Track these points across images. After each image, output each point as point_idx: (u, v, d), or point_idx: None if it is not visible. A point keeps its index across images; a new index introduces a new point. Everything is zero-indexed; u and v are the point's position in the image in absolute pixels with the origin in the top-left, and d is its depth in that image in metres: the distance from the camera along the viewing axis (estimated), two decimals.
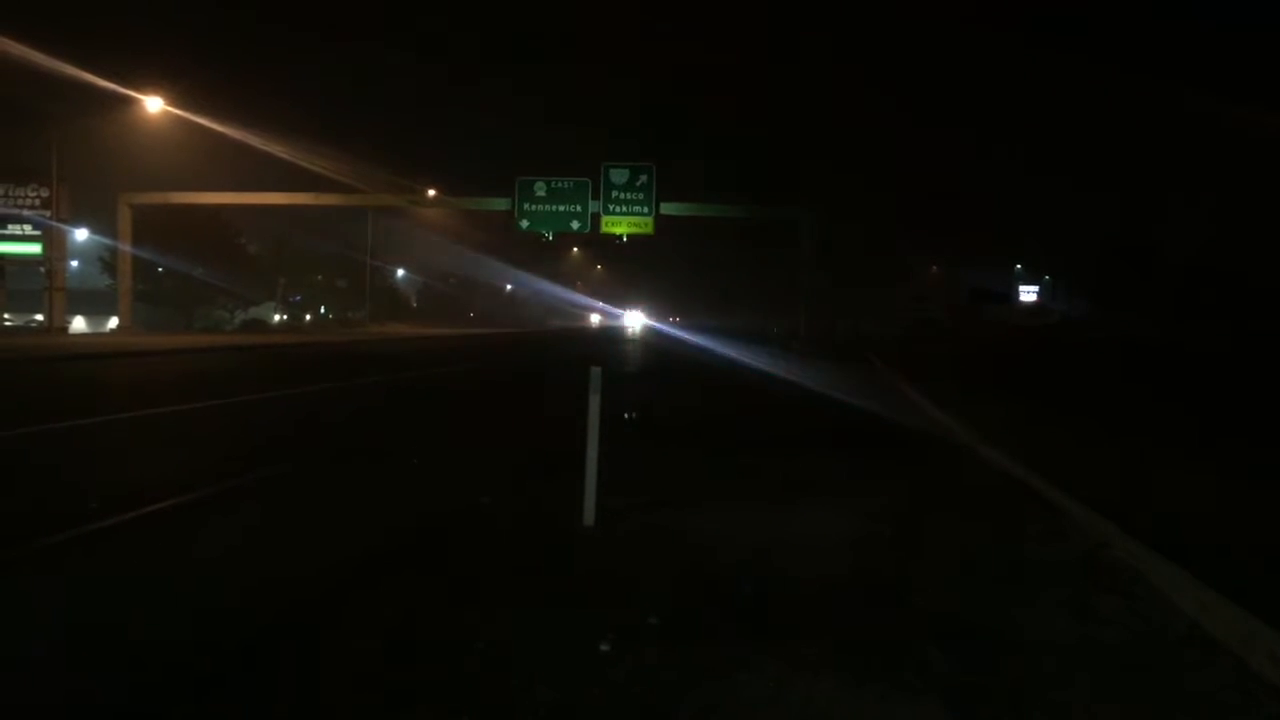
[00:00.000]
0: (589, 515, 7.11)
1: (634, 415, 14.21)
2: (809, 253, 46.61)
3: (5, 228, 44.93)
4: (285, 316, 74.86)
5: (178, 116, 42.12)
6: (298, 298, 76.76)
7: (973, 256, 64.83)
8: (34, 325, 51.97)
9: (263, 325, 66.71)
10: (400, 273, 78.78)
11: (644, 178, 42.54)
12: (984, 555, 6.69)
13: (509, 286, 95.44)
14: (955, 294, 69.96)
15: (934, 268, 72.78)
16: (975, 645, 4.89)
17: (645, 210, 42.51)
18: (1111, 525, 6.88)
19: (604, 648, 4.73)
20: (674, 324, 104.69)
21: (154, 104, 40.92)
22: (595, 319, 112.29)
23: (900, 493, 8.78)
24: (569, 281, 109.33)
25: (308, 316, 79.27)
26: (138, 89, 40.24)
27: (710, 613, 5.32)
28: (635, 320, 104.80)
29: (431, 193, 52.18)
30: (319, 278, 74.02)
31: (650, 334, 72.82)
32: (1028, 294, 78.36)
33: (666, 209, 43.34)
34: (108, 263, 52.66)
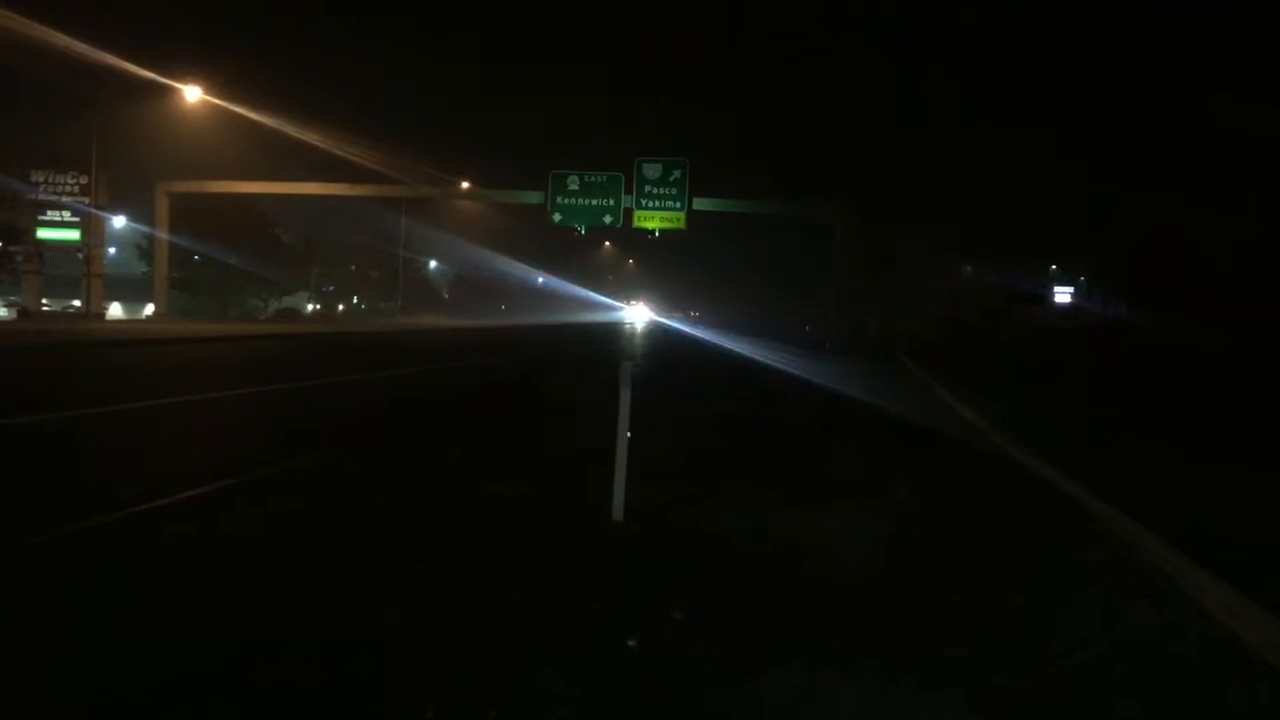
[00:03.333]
0: (618, 510, 7.10)
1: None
2: (841, 250, 46.40)
3: (45, 214, 45.52)
4: (318, 306, 75.34)
5: (216, 105, 42.52)
6: (331, 288, 77.21)
7: (1006, 256, 64.28)
8: (71, 311, 52.61)
9: (296, 314, 67.19)
10: (433, 264, 79.07)
11: (677, 173, 42.49)
12: (1016, 558, 6.65)
13: (540, 279, 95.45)
14: (988, 294, 69.44)
15: (967, 267, 72.23)
16: (1004, 648, 4.86)
17: (678, 205, 42.46)
18: (1149, 533, 6.81)
19: (631, 644, 4.73)
20: (693, 319, 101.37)
21: (192, 93, 41.32)
22: (642, 313, 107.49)
23: (930, 493, 8.74)
24: (601, 275, 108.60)
25: (340, 307, 79.73)
26: (176, 78, 40.66)
27: (737, 610, 5.32)
28: (638, 315, 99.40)
29: (465, 185, 52.35)
30: (352, 268, 74.36)
31: (654, 330, 66.07)
32: (1062, 295, 77.59)
33: (699, 204, 43.26)
34: (144, 250, 53.16)
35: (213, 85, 41.77)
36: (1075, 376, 22.87)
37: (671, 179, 42.48)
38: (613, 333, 52.04)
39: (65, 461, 9.35)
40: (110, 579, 5.54)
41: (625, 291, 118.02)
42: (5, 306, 53.50)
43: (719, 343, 43.85)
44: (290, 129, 46.29)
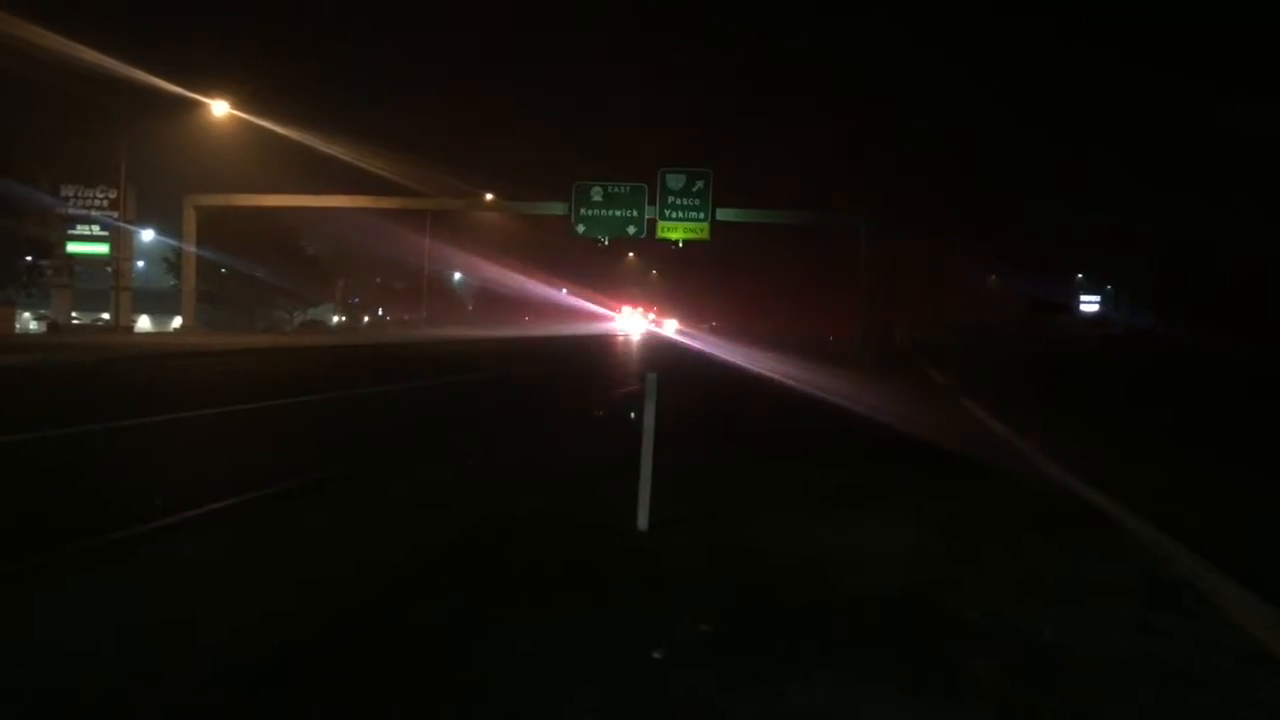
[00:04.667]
0: (643, 520, 7.07)
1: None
2: (867, 260, 46.24)
3: (74, 228, 46.01)
4: (344, 318, 75.79)
5: (242, 119, 42.87)
6: (357, 300, 77.65)
7: (1033, 265, 63.92)
8: (100, 323, 53.11)
9: (322, 326, 67.60)
10: (457, 276, 79.45)
11: (700, 183, 42.46)
12: (1042, 571, 6.57)
13: (564, 290, 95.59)
14: (1015, 303, 69.08)
15: (993, 276, 71.88)
16: (1031, 660, 4.79)
17: (701, 216, 42.41)
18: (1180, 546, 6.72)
19: (656, 655, 4.69)
20: (711, 330, 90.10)
21: (220, 108, 41.68)
22: (670, 325, 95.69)
23: (959, 503, 8.65)
24: (624, 286, 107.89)
25: (366, 318, 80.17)
26: (203, 92, 41.02)
27: (762, 621, 5.27)
28: (633, 324, 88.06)
29: (489, 197, 52.54)
30: (377, 280, 74.78)
31: (653, 343, 57.59)
32: (1089, 304, 77.15)
33: (723, 215, 43.20)
34: (172, 263, 53.59)
35: (239, 99, 42.15)
36: (1127, 392, 21.95)
37: (695, 189, 42.45)
38: (630, 346, 51.78)
39: (177, 460, 10.10)
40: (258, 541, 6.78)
41: (626, 297, 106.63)
42: (35, 320, 54.10)
43: (722, 356, 40.83)
44: (316, 142, 46.66)
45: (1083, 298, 77.02)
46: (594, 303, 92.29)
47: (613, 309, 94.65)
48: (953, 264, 58.82)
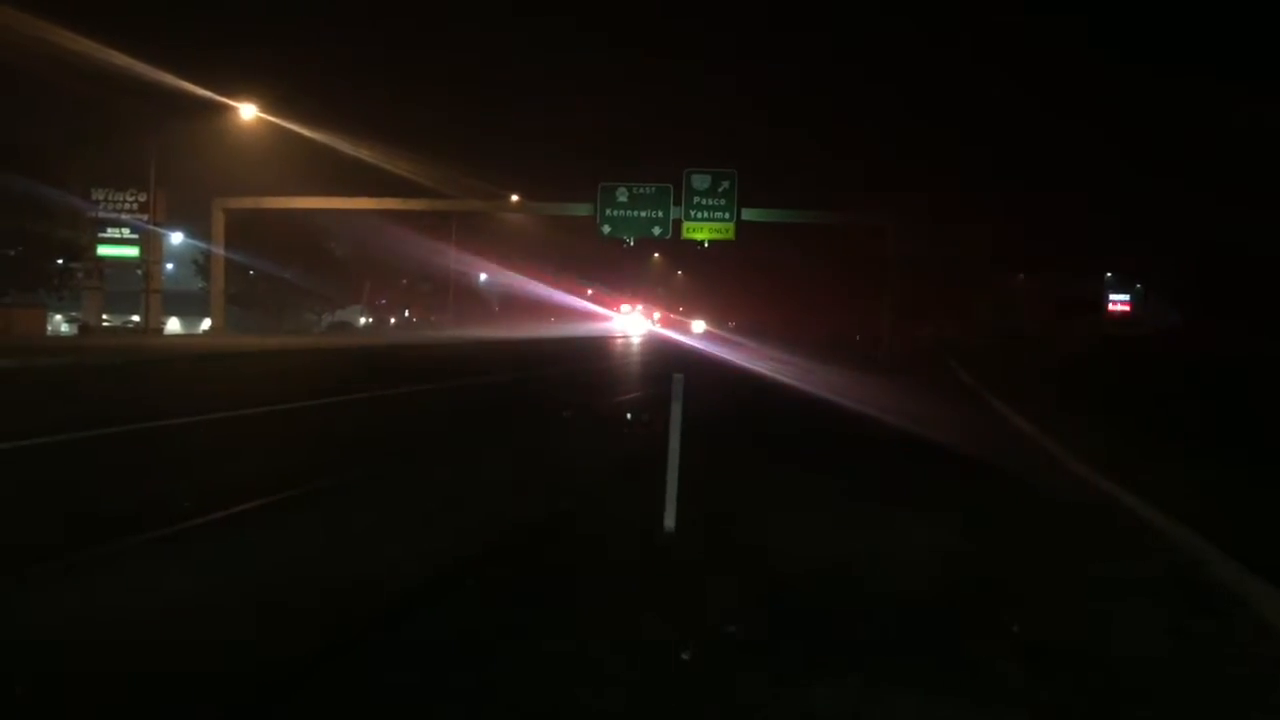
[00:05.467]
0: (670, 521, 7.08)
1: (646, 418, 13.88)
2: (893, 260, 46.05)
3: (105, 231, 46.40)
4: (371, 320, 76.11)
5: (270, 122, 43.17)
6: (383, 301, 77.92)
7: (1061, 264, 63.35)
8: (130, 326, 53.56)
9: (349, 328, 67.91)
10: (483, 277, 79.58)
11: (726, 184, 42.37)
12: (1073, 572, 6.53)
13: (590, 290, 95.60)
14: (1042, 303, 68.50)
15: (1020, 275, 71.27)
16: (1062, 663, 4.76)
17: (727, 216, 42.33)
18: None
19: (684, 656, 4.69)
20: (731, 330, 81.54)
21: (248, 110, 41.99)
22: (698, 325, 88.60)
23: (985, 504, 8.61)
24: (651, 286, 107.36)
25: (392, 320, 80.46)
26: (230, 95, 41.33)
27: (791, 623, 5.26)
28: (633, 325, 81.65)
29: (515, 198, 52.63)
30: (403, 281, 74.99)
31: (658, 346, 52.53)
32: (1118, 303, 76.45)
33: (748, 215, 43.11)
34: (201, 265, 53.95)
35: (266, 102, 42.45)
36: (1161, 392, 21.23)
37: (720, 190, 42.36)
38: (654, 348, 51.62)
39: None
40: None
41: (641, 295, 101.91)
42: (67, 322, 54.63)
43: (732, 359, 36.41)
44: (343, 145, 46.91)
45: (1112, 296, 76.33)
46: (615, 304, 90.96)
47: (613, 308, 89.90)
48: (980, 262, 58.34)
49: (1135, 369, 30.42)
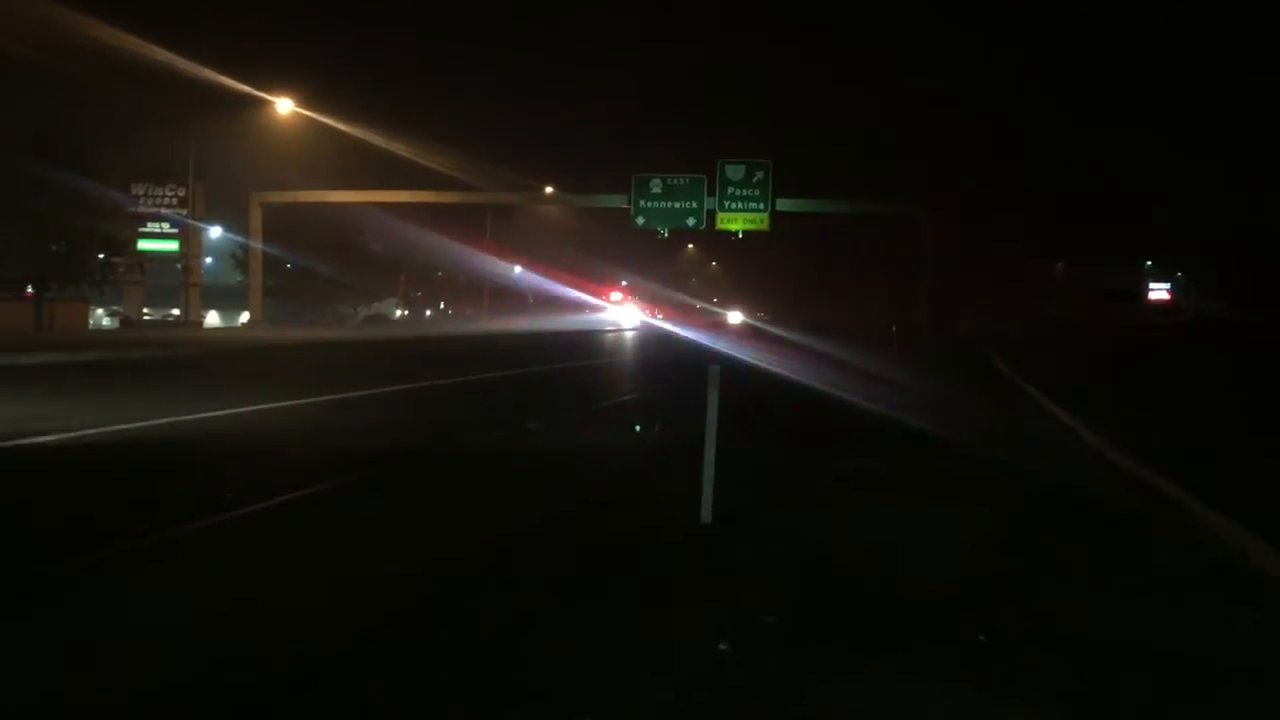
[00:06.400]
0: (706, 512, 7.09)
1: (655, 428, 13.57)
2: (929, 249, 45.70)
3: (145, 226, 46.97)
4: (406, 312, 76.54)
5: (307, 117, 43.50)
6: (419, 294, 78.31)
7: (1100, 252, 62.55)
8: (171, 319, 54.17)
9: (385, 320, 68.34)
10: (517, 269, 79.79)
11: (760, 174, 42.19)
12: (1112, 564, 6.47)
13: (624, 282, 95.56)
14: (1080, 291, 67.73)
15: (1058, 264, 70.52)
16: (1102, 655, 4.72)
17: (761, 207, 42.17)
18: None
19: (722, 646, 4.70)
20: (760, 320, 79.09)
21: (284, 105, 42.33)
22: (735, 316, 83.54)
23: (1023, 497, 8.55)
24: (684, 277, 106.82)
25: (428, 312, 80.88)
26: (267, 90, 41.67)
27: (828, 614, 5.26)
28: (625, 316, 76.68)
29: (549, 190, 52.72)
30: (439, 274, 75.32)
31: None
32: (1158, 291, 75.50)
33: (783, 205, 42.93)
34: (239, 259, 54.42)
35: (302, 97, 42.78)
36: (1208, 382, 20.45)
37: (755, 180, 42.19)
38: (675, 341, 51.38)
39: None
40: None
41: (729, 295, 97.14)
42: (108, 316, 55.33)
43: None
44: (378, 139, 47.15)
45: (1151, 285, 75.43)
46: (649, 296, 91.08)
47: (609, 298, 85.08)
48: (1017, 252, 57.76)
49: (1173, 358, 29.85)
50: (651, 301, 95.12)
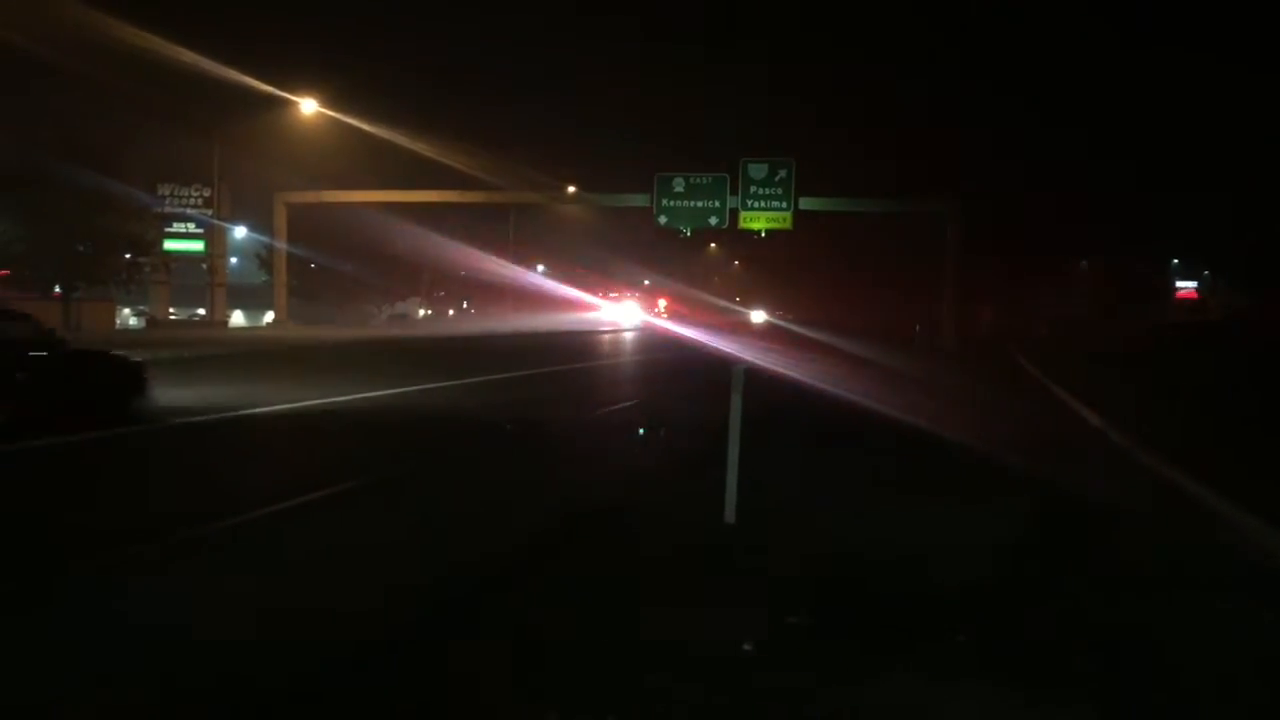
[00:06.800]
0: (730, 513, 7.08)
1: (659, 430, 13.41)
2: (954, 247, 45.46)
3: (171, 226, 47.30)
4: (429, 311, 76.76)
5: (330, 117, 43.69)
6: (442, 293, 78.46)
7: (1126, 250, 62.04)
8: (196, 319, 54.52)
9: (409, 320, 68.54)
10: (540, 268, 79.94)
11: (783, 173, 42.11)
12: (1142, 564, 6.41)
13: (646, 281, 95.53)
14: (1107, 288, 67.23)
15: (1083, 261, 70.03)
16: (1133, 654, 4.68)
17: (784, 205, 42.07)
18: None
19: (746, 647, 4.69)
20: (785, 319, 74.19)
21: (308, 105, 42.54)
22: (758, 315, 78.61)
23: (1053, 491, 8.51)
24: (706, 276, 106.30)
25: (451, 311, 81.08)
26: (291, 90, 41.90)
27: (853, 614, 5.24)
28: (624, 315, 71.51)
29: (571, 189, 52.74)
30: (462, 273, 75.47)
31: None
32: (1185, 289, 74.87)
33: (806, 204, 42.82)
34: (264, 259, 54.71)
35: (326, 97, 42.98)
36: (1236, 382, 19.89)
37: (778, 179, 42.11)
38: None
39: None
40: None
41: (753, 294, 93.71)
42: (135, 316, 55.75)
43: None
44: (402, 139, 47.26)
45: (1178, 283, 74.83)
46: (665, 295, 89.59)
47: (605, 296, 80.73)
48: (1042, 249, 57.42)
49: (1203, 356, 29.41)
50: (653, 298, 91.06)
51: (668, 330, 53.54)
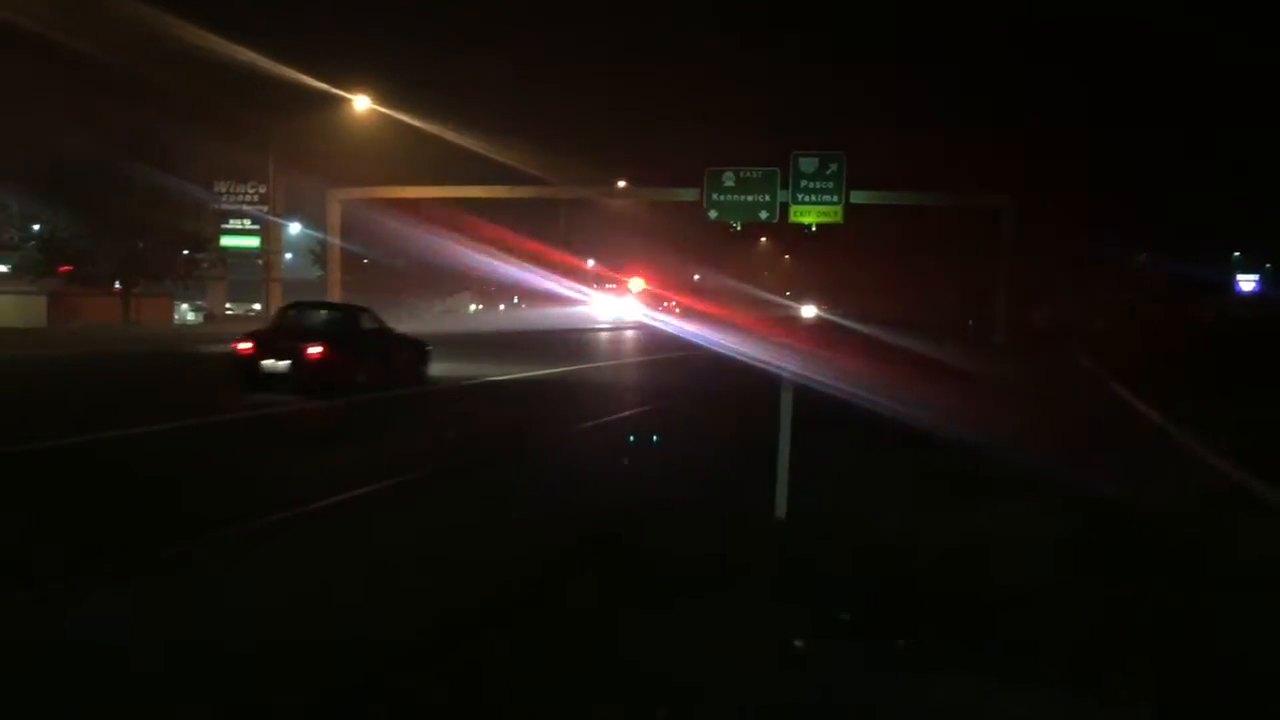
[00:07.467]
0: (781, 509, 7.07)
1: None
2: (1009, 242, 44.85)
3: (227, 222, 48.01)
4: (481, 306, 77.30)
5: (383, 113, 44.04)
6: (494, 287, 78.92)
7: (1185, 242, 60.86)
8: (252, 314, 55.26)
9: (460, 314, 68.95)
10: (590, 262, 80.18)
11: (834, 166, 41.75)
12: (1199, 565, 6.30)
13: (696, 276, 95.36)
14: (1165, 282, 66.02)
15: (1141, 256, 68.82)
16: (1186, 657, 4.60)
17: (834, 199, 41.71)
18: None
19: (797, 644, 4.67)
20: (838, 315, 67.61)
21: (361, 103, 42.93)
22: (809, 310, 74.14)
23: (1101, 483, 8.40)
24: (756, 271, 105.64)
25: (501, 306, 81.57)
26: (342, 86, 42.29)
27: (904, 612, 5.19)
28: (623, 310, 65.71)
29: (621, 184, 52.76)
30: (512, 269, 75.87)
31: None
32: (1246, 283, 73.30)
33: (857, 197, 42.46)
34: (318, 255, 55.30)
35: (378, 93, 43.32)
36: None
37: (828, 172, 41.77)
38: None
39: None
40: None
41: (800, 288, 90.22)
42: (192, 311, 56.67)
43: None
44: (453, 135, 47.53)
45: (1239, 276, 73.29)
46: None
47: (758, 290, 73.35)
48: (1099, 242, 56.47)
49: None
50: (662, 288, 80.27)
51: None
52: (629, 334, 44.49)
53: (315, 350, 15.74)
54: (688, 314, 60.74)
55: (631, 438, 12.58)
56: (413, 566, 6.04)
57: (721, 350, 26.18)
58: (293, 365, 15.62)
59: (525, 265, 59.54)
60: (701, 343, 30.50)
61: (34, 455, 9.97)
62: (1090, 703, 4.06)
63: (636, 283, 73.74)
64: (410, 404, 16.53)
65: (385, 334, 18.33)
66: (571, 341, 33.57)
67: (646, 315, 60.36)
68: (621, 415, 15.21)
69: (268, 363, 15.73)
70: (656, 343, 38.28)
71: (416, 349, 18.92)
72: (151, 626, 4.86)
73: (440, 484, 9.23)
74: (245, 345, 16.08)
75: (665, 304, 74.82)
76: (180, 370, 22.97)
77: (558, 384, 20.17)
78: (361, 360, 16.86)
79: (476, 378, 20.26)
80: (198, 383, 19.32)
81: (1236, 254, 71.83)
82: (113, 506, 7.73)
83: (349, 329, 17.49)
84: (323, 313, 18.42)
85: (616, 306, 67.53)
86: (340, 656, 4.48)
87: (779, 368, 7.58)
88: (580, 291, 65.53)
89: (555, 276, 61.60)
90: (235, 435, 12.48)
